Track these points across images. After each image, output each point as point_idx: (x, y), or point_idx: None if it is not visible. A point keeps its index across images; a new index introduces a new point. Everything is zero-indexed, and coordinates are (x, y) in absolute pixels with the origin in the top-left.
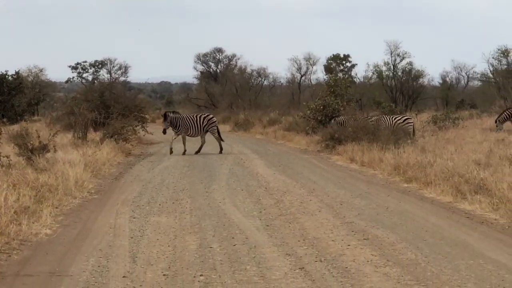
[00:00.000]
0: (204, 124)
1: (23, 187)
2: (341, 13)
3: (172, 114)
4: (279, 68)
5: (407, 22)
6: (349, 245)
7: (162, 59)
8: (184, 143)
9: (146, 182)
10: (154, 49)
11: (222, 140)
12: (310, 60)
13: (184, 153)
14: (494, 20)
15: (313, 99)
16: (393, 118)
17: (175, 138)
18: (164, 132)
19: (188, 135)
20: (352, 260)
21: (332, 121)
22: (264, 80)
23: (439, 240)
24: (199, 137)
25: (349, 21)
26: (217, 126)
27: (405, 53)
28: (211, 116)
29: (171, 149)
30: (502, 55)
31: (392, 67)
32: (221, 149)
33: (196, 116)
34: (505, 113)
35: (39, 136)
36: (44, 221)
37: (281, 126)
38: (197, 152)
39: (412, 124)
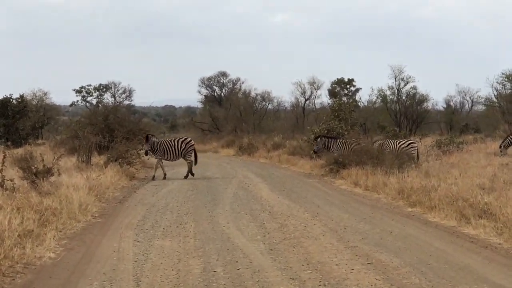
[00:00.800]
0: (182, 149)
1: (27, 210)
2: (346, 38)
3: (153, 138)
4: (283, 92)
5: (412, 46)
6: (353, 269)
7: (166, 83)
8: (162, 168)
9: (150, 206)
10: (159, 73)
11: (195, 163)
12: (314, 84)
13: (164, 177)
14: (498, 44)
15: (317, 123)
16: (397, 142)
17: (161, 162)
18: (146, 154)
19: (165, 160)
20: (356, 285)
21: (319, 139)
22: (268, 104)
23: (443, 264)
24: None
25: (354, 45)
26: (194, 150)
27: (409, 78)
28: (189, 139)
29: (164, 174)
30: (506, 79)
31: (396, 91)
32: (187, 175)
33: (174, 141)
34: (509, 138)
35: (43, 160)
36: (48, 244)
37: (285, 150)
38: (187, 176)
39: (416, 148)
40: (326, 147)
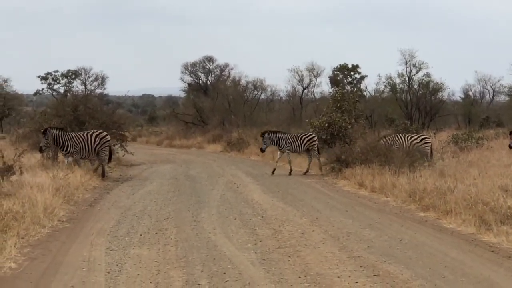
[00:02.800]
0: (96, 144)
1: None
2: (350, 19)
3: (56, 131)
4: (278, 80)
5: (424, 29)
6: (357, 282)
7: (144, 69)
8: (75, 164)
9: (125, 210)
10: (135, 58)
11: (109, 162)
12: (313, 71)
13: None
14: None
15: (316, 116)
16: (409, 138)
17: (69, 160)
18: (41, 150)
19: (81, 158)
20: None
21: (266, 135)
22: (261, 93)
23: (460, 277)
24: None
25: (359, 27)
26: (110, 146)
27: (422, 64)
28: (104, 133)
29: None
30: None
31: (407, 79)
32: (103, 174)
33: (87, 134)
34: None
35: (3, 156)
36: (8, 253)
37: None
38: (103, 174)
39: (430, 144)
40: (276, 144)
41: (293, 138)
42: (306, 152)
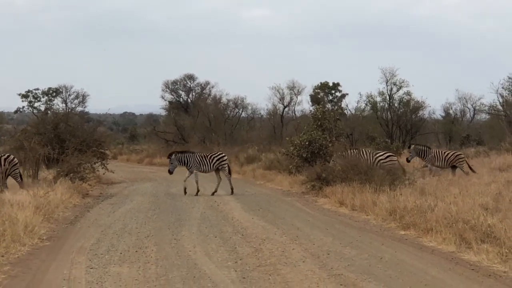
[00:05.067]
0: (5, 168)
1: None
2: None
3: None
4: (259, 98)
5: (406, 47)
6: None
7: (125, 88)
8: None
9: (106, 227)
10: (116, 76)
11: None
12: (294, 89)
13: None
14: (504, 46)
15: (297, 134)
16: (374, 154)
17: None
18: None
19: None
20: None
21: (173, 156)
22: (242, 111)
23: None
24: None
25: (339, 46)
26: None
27: (403, 82)
28: (12, 156)
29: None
30: None
31: (387, 97)
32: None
33: None
34: None
35: None
36: None
37: (260, 164)
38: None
39: (395, 162)
40: (184, 163)
41: (202, 157)
42: (216, 172)
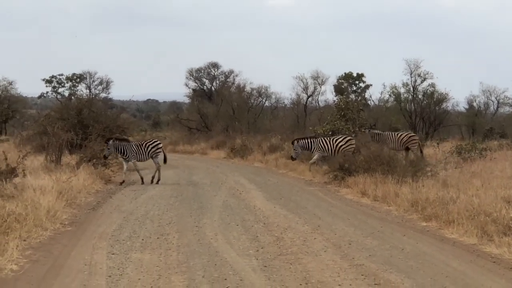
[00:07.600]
0: None
1: None
2: (355, 28)
3: None
4: (283, 88)
5: (430, 39)
6: None
7: (149, 74)
8: None
9: (128, 214)
10: (140, 62)
11: None
12: (318, 79)
13: None
14: None
15: (320, 123)
16: (334, 141)
17: None
18: None
19: None
20: None
21: (110, 142)
22: (266, 100)
23: (461, 287)
24: None
25: (365, 36)
26: None
27: (427, 74)
28: None
29: None
30: None
31: (411, 89)
32: None
33: None
34: None
35: (6, 158)
36: (10, 255)
37: (283, 154)
38: None
39: (354, 145)
40: (120, 152)
41: (138, 146)
42: (152, 159)
